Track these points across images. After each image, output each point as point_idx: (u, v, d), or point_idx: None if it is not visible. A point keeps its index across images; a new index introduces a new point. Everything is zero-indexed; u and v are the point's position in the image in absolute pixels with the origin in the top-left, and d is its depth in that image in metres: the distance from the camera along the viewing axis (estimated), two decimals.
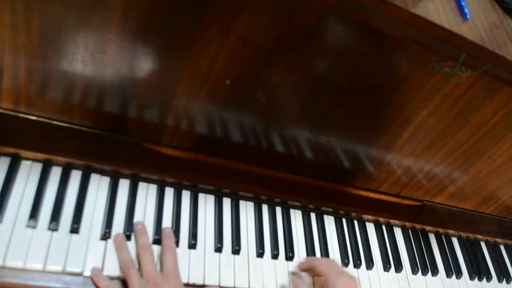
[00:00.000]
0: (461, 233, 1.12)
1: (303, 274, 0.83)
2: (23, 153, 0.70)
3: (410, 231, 1.04)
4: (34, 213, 0.66)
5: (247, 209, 0.86)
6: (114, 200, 0.74)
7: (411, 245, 1.02)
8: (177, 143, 0.81)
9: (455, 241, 1.11)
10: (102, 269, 0.67)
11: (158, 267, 0.71)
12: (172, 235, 0.74)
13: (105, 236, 0.70)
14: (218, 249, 0.78)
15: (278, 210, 0.89)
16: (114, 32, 0.63)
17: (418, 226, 1.05)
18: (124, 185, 0.76)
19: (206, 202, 0.83)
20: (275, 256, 0.83)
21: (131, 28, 0.63)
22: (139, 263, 0.69)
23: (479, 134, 0.90)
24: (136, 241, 0.71)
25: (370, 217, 0.99)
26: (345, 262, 0.90)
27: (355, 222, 0.98)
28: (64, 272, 0.65)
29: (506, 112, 0.85)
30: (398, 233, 1.02)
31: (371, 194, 1.01)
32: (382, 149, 0.91)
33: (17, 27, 0.60)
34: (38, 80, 0.67)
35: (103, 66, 0.67)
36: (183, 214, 0.79)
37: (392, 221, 1.02)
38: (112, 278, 0.67)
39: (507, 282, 1.13)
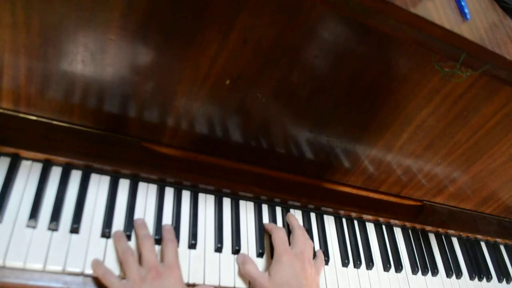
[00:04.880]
0: (461, 233, 1.12)
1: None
2: (23, 153, 0.70)
3: (410, 231, 1.05)
4: (34, 213, 0.66)
5: (247, 209, 0.86)
6: (114, 200, 0.74)
7: (411, 245, 1.02)
8: (177, 143, 0.81)
9: (455, 241, 1.11)
10: None
11: None
12: (172, 230, 0.74)
13: (105, 236, 0.70)
14: (218, 249, 0.78)
15: (278, 210, 0.89)
16: (114, 32, 0.63)
17: (418, 226, 1.05)
18: (124, 185, 0.76)
19: (206, 202, 0.83)
20: None
21: (131, 28, 0.63)
22: (140, 253, 0.69)
23: (479, 134, 0.90)
24: (137, 233, 0.71)
25: (370, 217, 0.99)
26: (345, 262, 0.90)
27: (355, 222, 0.98)
28: (64, 272, 0.65)
29: (506, 112, 0.85)
30: (398, 233, 1.02)
31: (371, 194, 1.01)
32: (382, 149, 0.91)
33: (17, 27, 0.60)
34: (38, 80, 0.67)
35: (103, 66, 0.67)
36: (183, 214, 0.79)
37: (392, 221, 1.02)
38: None
39: (507, 282, 1.13)
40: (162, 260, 0.70)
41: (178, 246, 0.74)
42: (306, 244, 0.83)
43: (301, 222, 0.90)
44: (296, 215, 0.91)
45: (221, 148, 0.84)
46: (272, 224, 0.85)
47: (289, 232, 0.87)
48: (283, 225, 0.88)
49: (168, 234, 0.73)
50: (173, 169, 0.80)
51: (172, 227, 0.75)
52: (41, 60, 0.65)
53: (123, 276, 0.67)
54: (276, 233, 0.81)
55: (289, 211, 0.90)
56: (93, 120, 0.75)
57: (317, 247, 0.89)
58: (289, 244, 0.82)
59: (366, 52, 0.72)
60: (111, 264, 0.68)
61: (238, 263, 0.78)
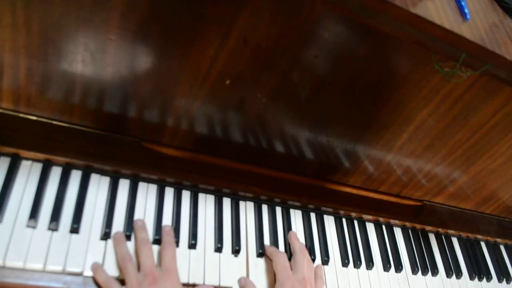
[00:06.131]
0: (461, 233, 1.12)
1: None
2: (23, 153, 0.70)
3: (410, 231, 1.05)
4: (34, 213, 0.66)
5: (247, 209, 0.86)
6: (114, 200, 0.74)
7: (411, 245, 1.02)
8: (177, 143, 0.81)
9: (455, 241, 1.11)
10: None
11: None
12: (172, 232, 0.74)
13: (105, 236, 0.70)
14: (218, 249, 0.78)
15: (278, 210, 0.89)
16: (114, 32, 0.63)
17: (418, 226, 1.05)
18: (124, 185, 0.76)
19: (206, 202, 0.83)
20: None
21: (131, 28, 0.63)
22: (138, 257, 0.69)
23: (479, 134, 0.90)
24: (136, 236, 0.71)
25: (370, 217, 0.99)
26: (345, 262, 0.90)
27: (355, 222, 0.98)
28: (64, 272, 0.65)
29: (506, 112, 0.86)
30: (398, 233, 1.02)
31: (371, 194, 1.01)
32: (382, 149, 0.91)
33: (17, 27, 0.60)
34: (38, 80, 0.67)
35: (103, 66, 0.67)
36: (183, 214, 0.79)
37: (392, 221, 1.02)
38: None
39: (507, 282, 1.13)
40: (160, 263, 0.70)
41: (178, 246, 0.74)
42: (308, 268, 0.80)
43: (301, 222, 0.90)
44: (296, 215, 0.91)
45: (221, 148, 0.84)
46: (273, 249, 0.82)
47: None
48: (283, 225, 0.88)
49: (167, 237, 0.73)
50: (173, 169, 0.80)
51: (171, 229, 0.75)
52: (41, 60, 0.65)
53: (122, 277, 0.67)
54: (277, 259, 0.79)
55: (289, 211, 0.90)
56: (93, 120, 0.75)
57: (317, 247, 0.89)
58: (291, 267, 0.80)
59: (366, 52, 0.72)
60: (111, 264, 0.68)
61: (239, 287, 0.77)
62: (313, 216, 0.93)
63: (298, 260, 0.80)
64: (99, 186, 0.74)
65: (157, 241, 0.73)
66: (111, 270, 0.67)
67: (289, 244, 0.85)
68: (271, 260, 0.81)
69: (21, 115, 0.71)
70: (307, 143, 0.87)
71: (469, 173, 1.01)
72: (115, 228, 0.71)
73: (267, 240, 0.84)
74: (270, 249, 0.82)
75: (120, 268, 0.68)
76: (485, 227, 1.16)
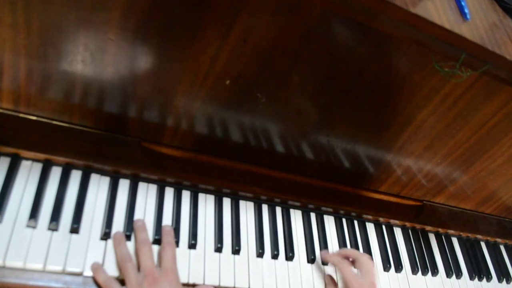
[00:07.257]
0: (461, 233, 1.12)
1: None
2: (23, 153, 0.70)
3: (410, 231, 1.05)
4: (34, 213, 0.66)
5: (247, 209, 0.86)
6: (114, 200, 0.74)
7: (411, 245, 1.02)
8: (177, 143, 0.81)
9: (455, 241, 1.11)
10: None
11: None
12: (172, 232, 0.74)
13: (105, 236, 0.70)
14: (218, 249, 0.78)
15: (278, 210, 0.89)
16: (114, 32, 0.63)
17: (418, 226, 1.05)
18: (124, 185, 0.76)
19: (206, 202, 0.83)
20: (275, 256, 0.83)
21: (131, 28, 0.63)
22: (138, 258, 0.69)
23: (479, 134, 0.90)
24: (136, 236, 0.71)
25: (370, 217, 0.99)
26: None
27: (355, 222, 0.98)
28: (64, 272, 0.65)
29: (506, 112, 0.86)
30: (398, 233, 1.02)
31: (371, 194, 1.01)
32: (382, 149, 0.91)
33: (17, 27, 0.60)
34: (38, 80, 0.67)
35: (103, 66, 0.67)
36: (183, 214, 0.79)
37: (392, 221, 1.02)
38: None
39: (507, 282, 1.13)
40: (160, 263, 0.70)
41: (178, 246, 0.74)
42: (372, 271, 0.82)
43: (301, 222, 0.90)
44: (296, 215, 0.91)
45: (221, 148, 0.84)
46: (337, 258, 0.84)
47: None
48: (283, 225, 0.88)
49: (167, 237, 0.73)
50: (173, 169, 0.80)
51: (171, 229, 0.75)
52: (41, 60, 0.65)
53: (122, 277, 0.67)
54: (344, 268, 0.81)
55: (289, 211, 0.90)
56: (93, 120, 0.75)
57: (317, 247, 0.89)
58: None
59: (366, 52, 0.72)
60: (111, 265, 0.68)
61: None
62: (313, 216, 0.93)
63: (362, 263, 0.82)
64: (99, 186, 0.74)
65: (157, 241, 0.73)
66: (111, 270, 0.67)
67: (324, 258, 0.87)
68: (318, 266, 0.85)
69: (21, 115, 0.71)
70: (307, 143, 0.87)
71: (469, 173, 1.01)
72: (115, 228, 0.71)
73: (267, 240, 0.84)
74: (333, 258, 0.84)
75: (120, 268, 0.68)
76: (485, 227, 1.16)
